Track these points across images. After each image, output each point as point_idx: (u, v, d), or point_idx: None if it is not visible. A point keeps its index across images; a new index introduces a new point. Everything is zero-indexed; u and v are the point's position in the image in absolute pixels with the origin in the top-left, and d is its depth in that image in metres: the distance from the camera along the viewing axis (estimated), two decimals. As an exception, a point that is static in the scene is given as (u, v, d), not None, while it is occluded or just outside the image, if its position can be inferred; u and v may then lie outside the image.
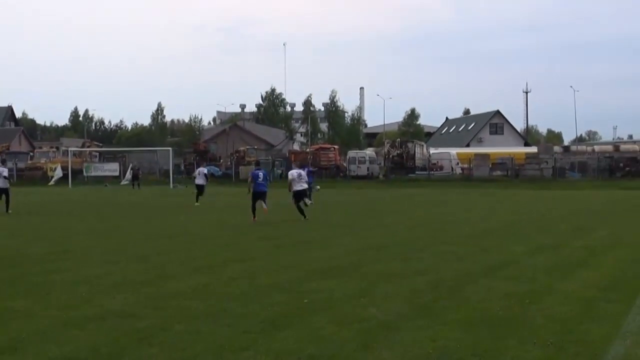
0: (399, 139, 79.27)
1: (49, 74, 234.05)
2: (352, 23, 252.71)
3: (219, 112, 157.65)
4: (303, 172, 25.91)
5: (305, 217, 23.27)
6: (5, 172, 25.52)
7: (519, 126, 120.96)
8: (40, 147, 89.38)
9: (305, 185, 25.66)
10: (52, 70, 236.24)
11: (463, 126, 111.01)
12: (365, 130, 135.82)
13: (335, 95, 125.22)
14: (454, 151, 76.31)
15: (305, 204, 24.71)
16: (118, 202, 36.29)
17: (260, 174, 24.16)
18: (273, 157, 78.07)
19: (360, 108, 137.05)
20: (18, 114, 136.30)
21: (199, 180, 34.14)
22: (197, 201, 32.91)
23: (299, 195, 24.12)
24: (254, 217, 23.22)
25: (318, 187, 40.16)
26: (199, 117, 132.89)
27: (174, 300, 9.76)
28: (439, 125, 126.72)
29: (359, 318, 8.63)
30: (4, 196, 25.06)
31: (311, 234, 19.23)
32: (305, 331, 8.03)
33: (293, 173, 24.71)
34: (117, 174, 68.32)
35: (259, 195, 23.75)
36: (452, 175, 67.84)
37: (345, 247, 16.09)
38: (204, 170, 35.48)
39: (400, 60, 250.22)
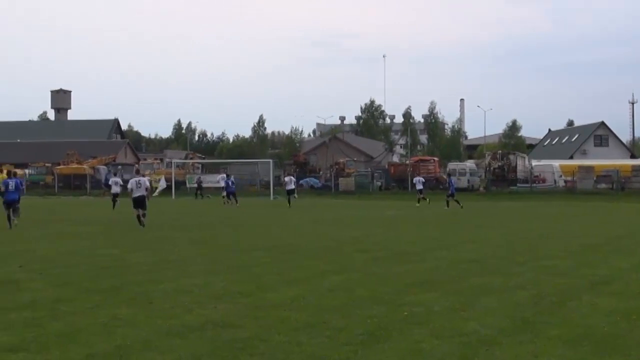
0: (500, 151, 78.07)
1: (154, 87, 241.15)
2: (451, 34, 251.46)
3: (318, 124, 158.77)
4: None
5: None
6: (146, 182, 27.22)
7: (625, 138, 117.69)
8: (145, 159, 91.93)
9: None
10: (156, 84, 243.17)
11: (566, 138, 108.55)
12: (465, 142, 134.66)
13: (434, 107, 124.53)
14: (556, 163, 74.71)
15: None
16: (218, 213, 36.88)
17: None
18: (372, 169, 78.02)
19: (461, 120, 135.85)
20: (124, 127, 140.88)
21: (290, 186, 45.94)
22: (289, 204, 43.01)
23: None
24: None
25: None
26: (300, 129, 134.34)
27: (273, 311, 9.85)
28: (541, 137, 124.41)
29: (459, 332, 8.54)
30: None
31: (409, 247, 19.13)
32: (405, 344, 8.00)
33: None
34: (219, 185, 69.49)
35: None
36: (554, 188, 66.42)
37: (444, 260, 15.94)
38: (292, 177, 47.99)
39: (501, 71, 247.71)
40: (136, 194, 25.85)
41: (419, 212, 37.89)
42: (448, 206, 40.78)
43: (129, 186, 26.96)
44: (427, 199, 46.19)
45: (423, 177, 49.52)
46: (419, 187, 47.24)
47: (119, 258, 16.49)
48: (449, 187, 42.58)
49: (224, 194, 49.11)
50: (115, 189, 41.32)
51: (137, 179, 26.61)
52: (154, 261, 15.86)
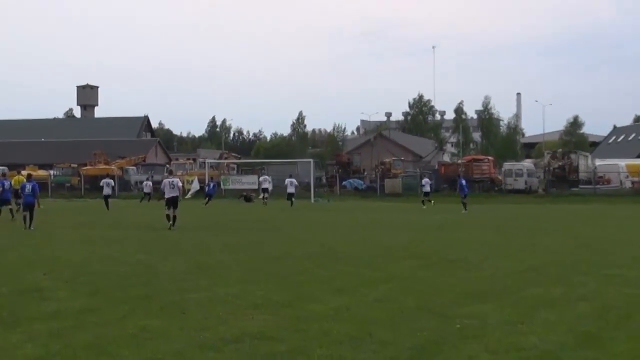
0: (560, 150, 77.38)
1: (186, 83, 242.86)
2: (505, 24, 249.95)
3: (363, 121, 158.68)
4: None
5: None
6: (178, 183, 29.91)
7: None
8: (177, 159, 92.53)
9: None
10: (189, 79, 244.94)
11: (633, 135, 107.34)
12: (522, 140, 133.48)
13: (489, 102, 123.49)
14: (622, 163, 73.83)
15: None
16: (255, 216, 37.02)
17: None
18: (421, 169, 77.74)
19: (517, 116, 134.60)
20: (154, 125, 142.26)
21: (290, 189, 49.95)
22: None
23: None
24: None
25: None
26: (342, 127, 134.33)
27: (315, 323, 9.87)
28: (605, 134, 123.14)
29: (516, 347, 8.49)
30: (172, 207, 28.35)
31: (462, 253, 18.99)
32: (457, 360, 7.97)
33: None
34: (255, 186, 69.63)
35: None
36: (620, 190, 65.64)
37: (501, 268, 15.85)
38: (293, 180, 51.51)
39: (562, 64, 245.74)
40: (170, 194, 28.09)
41: (469, 216, 37.69)
42: (466, 209, 40.59)
43: (161, 186, 29.62)
44: (432, 202, 49.12)
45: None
46: (427, 189, 50.28)
47: (149, 265, 16.62)
48: (461, 189, 42.33)
49: (264, 195, 50.99)
50: (107, 190, 44.82)
51: (170, 179, 29.02)
52: (186, 268, 15.97)
